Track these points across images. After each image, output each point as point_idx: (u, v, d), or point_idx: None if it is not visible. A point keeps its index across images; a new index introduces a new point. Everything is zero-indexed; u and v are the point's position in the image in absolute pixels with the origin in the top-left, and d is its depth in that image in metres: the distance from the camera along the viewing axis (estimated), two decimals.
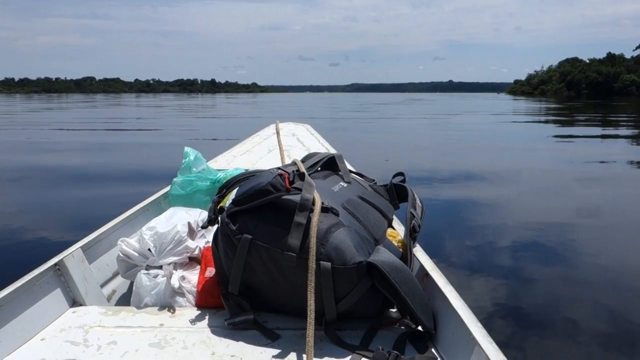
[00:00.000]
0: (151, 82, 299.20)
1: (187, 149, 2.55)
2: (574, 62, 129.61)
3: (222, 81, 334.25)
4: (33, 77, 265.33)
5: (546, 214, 5.03)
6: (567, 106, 40.60)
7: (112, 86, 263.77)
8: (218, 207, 1.62)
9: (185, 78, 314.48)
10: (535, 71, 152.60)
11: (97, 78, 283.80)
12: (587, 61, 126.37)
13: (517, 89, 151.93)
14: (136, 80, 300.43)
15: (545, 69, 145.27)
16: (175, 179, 2.50)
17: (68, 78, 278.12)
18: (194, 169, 2.49)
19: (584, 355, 2.44)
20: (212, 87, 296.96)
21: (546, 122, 21.71)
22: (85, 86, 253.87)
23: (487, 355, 1.14)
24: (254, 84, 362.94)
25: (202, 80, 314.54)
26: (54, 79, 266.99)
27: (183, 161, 2.51)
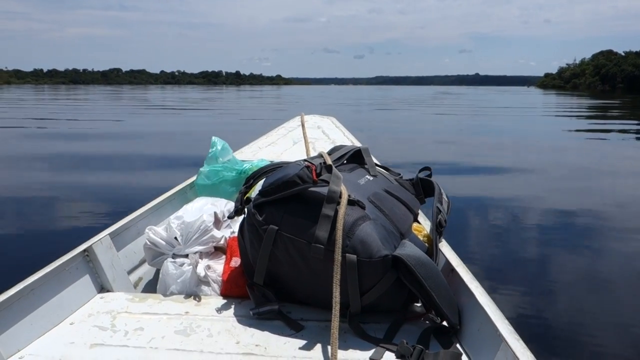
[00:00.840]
0: (176, 73, 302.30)
1: (214, 138, 2.59)
2: (608, 54, 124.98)
3: (247, 73, 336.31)
4: (62, 68, 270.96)
5: None
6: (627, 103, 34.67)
7: (138, 78, 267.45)
8: (245, 197, 1.64)
9: (210, 70, 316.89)
10: (567, 64, 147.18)
11: (124, 70, 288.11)
12: (623, 54, 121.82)
13: (548, 82, 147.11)
14: (162, 72, 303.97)
15: (577, 61, 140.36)
16: (201, 169, 2.54)
17: (96, 69, 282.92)
18: (221, 159, 2.52)
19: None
20: (236, 79, 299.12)
21: None
22: (112, 77, 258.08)
23: (513, 352, 1.13)
24: (279, 76, 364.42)
25: (226, 72, 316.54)
26: (81, 70, 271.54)
27: (210, 151, 2.55)
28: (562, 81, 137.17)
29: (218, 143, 2.56)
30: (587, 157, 9.28)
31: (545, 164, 8.21)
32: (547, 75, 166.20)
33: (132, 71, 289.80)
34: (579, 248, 3.98)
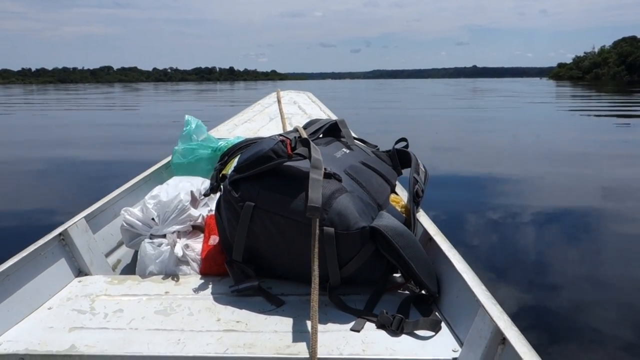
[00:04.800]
0: (169, 70, 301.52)
1: (188, 117, 2.63)
2: (632, 41, 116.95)
3: (241, 69, 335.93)
4: (58, 67, 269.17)
5: None
6: None
7: (129, 75, 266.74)
8: (220, 174, 1.67)
9: (203, 66, 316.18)
10: (585, 53, 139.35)
11: (115, 67, 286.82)
12: None
13: (564, 73, 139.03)
14: (154, 69, 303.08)
15: (596, 50, 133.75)
16: (176, 148, 2.60)
17: (89, 67, 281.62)
18: (195, 137, 2.57)
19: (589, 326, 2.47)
20: (230, 75, 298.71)
21: None
22: (102, 76, 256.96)
23: (491, 317, 1.19)
24: (273, 72, 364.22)
25: (220, 68, 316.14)
26: (71, 69, 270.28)
27: (184, 129, 2.61)
28: (580, 71, 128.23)
29: (192, 121, 2.61)
30: None
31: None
32: (561, 65, 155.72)
33: (123, 69, 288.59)
34: (556, 217, 4.17)
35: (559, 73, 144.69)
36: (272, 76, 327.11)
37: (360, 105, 20.95)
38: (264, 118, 3.77)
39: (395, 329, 1.33)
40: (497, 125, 12.30)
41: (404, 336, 1.32)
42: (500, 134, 10.40)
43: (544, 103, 21.56)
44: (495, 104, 21.51)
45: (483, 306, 1.23)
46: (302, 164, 1.56)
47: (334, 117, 2.74)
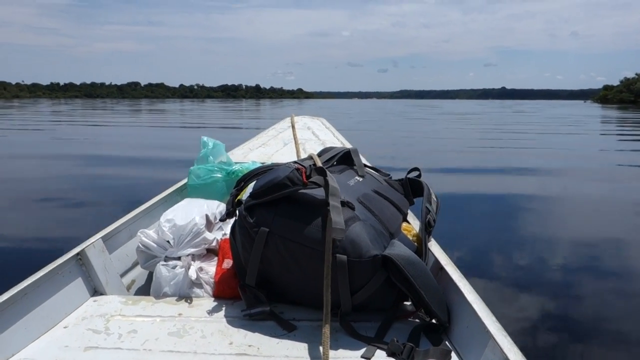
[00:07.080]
0: (195, 87, 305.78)
1: (204, 138, 2.65)
2: None
3: (267, 87, 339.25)
4: (87, 82, 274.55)
5: None
6: None
7: (156, 91, 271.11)
8: (236, 200, 1.71)
9: (230, 84, 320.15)
10: (636, 74, 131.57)
11: (143, 83, 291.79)
12: None
13: (613, 96, 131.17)
14: (180, 85, 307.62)
15: None
16: (191, 168, 2.64)
17: (118, 83, 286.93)
18: (211, 158, 2.59)
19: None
20: (256, 92, 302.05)
21: None
22: (128, 91, 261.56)
23: (501, 349, 1.21)
24: (300, 90, 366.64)
25: (246, 86, 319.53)
26: (99, 84, 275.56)
27: (201, 151, 2.62)
28: (631, 94, 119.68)
29: (209, 142, 2.64)
30: None
31: None
32: (607, 87, 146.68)
33: (150, 85, 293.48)
34: (570, 248, 4.12)
35: (607, 96, 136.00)
36: (298, 94, 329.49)
37: None
38: (278, 143, 3.85)
39: (405, 357, 1.35)
40: None
41: None
42: None
43: None
44: None
45: (493, 337, 1.25)
46: (317, 192, 1.60)
47: (347, 144, 2.79)
